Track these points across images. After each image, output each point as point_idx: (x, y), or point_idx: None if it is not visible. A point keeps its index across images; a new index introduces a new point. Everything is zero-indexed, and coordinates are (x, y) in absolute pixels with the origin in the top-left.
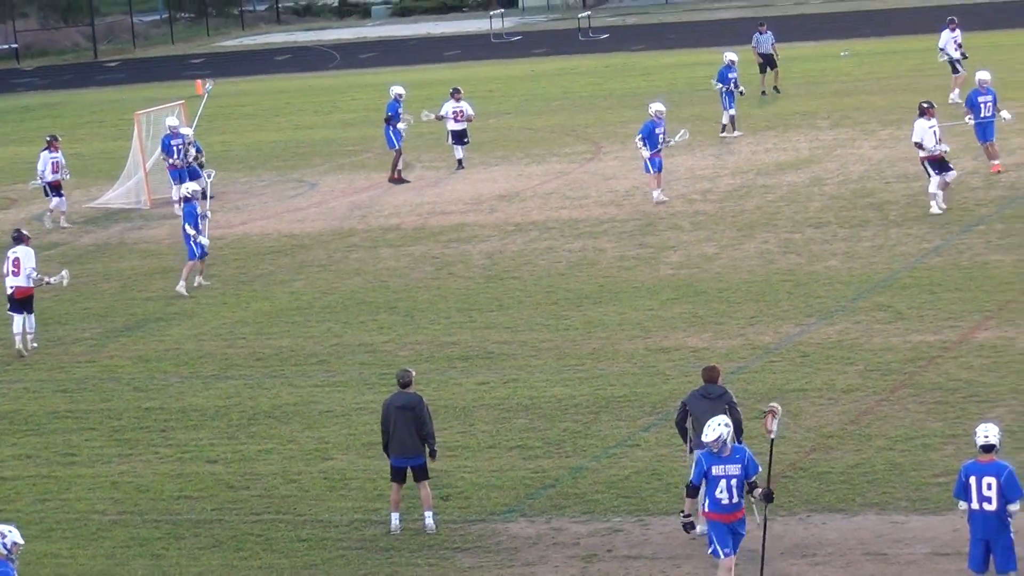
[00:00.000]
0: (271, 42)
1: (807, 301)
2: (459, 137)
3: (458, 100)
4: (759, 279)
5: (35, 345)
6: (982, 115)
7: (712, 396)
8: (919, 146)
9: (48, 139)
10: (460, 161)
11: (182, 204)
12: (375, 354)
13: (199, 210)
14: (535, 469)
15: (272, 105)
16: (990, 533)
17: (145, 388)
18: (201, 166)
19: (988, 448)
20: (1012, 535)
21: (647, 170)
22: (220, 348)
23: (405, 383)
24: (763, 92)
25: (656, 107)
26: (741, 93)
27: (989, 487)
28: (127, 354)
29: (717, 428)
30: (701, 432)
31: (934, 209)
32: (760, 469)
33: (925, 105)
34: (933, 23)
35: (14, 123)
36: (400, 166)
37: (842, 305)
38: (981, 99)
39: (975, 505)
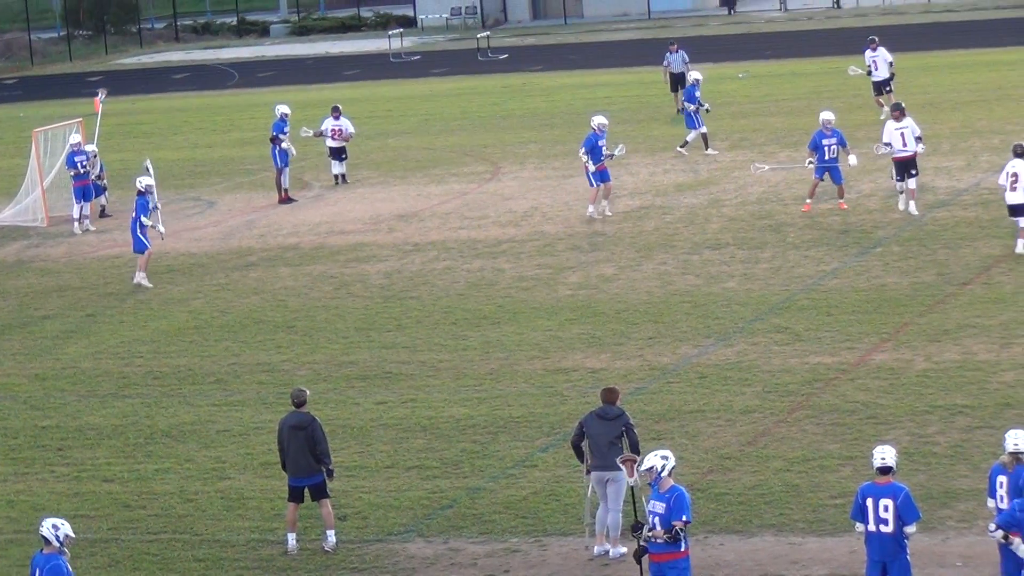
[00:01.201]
0: (169, 60)
1: (705, 322)
2: (337, 154)
3: (337, 118)
4: (657, 300)
5: None
6: (826, 157)
7: (609, 417)
8: (888, 146)
9: None
10: (338, 176)
11: (136, 197)
12: (273, 373)
13: (152, 203)
14: (433, 489)
15: (170, 123)
16: (887, 555)
17: (41, 407)
18: (104, 186)
19: (885, 470)
20: (908, 557)
21: (591, 184)
22: (117, 367)
23: (299, 403)
24: (678, 111)
25: (598, 120)
26: (707, 110)
27: (886, 509)
28: (23, 372)
29: (650, 459)
30: (597, 453)
31: (912, 210)
32: (689, 518)
33: (895, 108)
34: (833, 46)
35: None
36: (286, 184)
37: (740, 326)
38: (825, 141)
39: (872, 527)
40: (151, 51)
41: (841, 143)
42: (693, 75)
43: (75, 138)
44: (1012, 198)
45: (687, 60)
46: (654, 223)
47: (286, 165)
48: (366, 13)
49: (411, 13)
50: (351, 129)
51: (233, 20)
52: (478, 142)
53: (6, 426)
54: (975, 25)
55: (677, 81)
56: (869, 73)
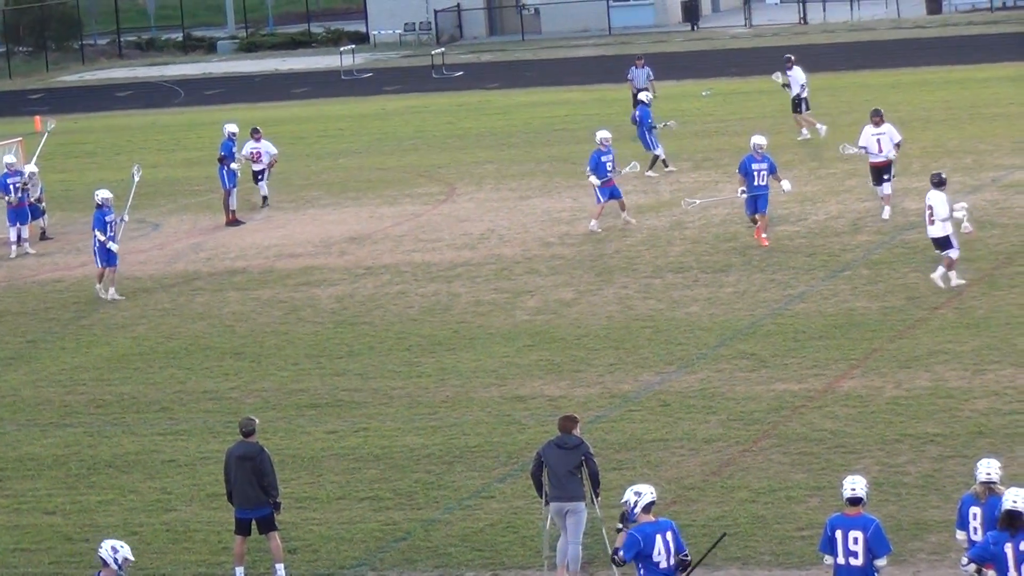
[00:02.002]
0: (113, 77)
1: (667, 348)
2: (257, 177)
3: (257, 140)
4: (618, 325)
5: None
6: (755, 183)
7: (568, 446)
8: (864, 150)
9: None
10: (264, 199)
11: (94, 210)
12: (220, 401)
13: (114, 216)
14: (386, 521)
15: (114, 143)
16: None
17: None
18: (42, 208)
19: (855, 501)
20: None
21: (598, 200)
22: (59, 395)
23: (247, 432)
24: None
25: (602, 135)
26: (653, 127)
27: (855, 541)
28: None
29: (626, 493)
30: (556, 484)
31: (885, 215)
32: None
33: (874, 114)
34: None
35: None
36: (234, 206)
37: (703, 352)
38: (755, 167)
39: (841, 559)
40: (94, 68)
41: (771, 169)
42: (646, 95)
43: (10, 159)
44: (931, 231)
45: (651, 76)
46: (615, 245)
47: (234, 186)
48: (316, 29)
49: (363, 29)
50: (272, 151)
51: (179, 36)
52: (433, 162)
53: None
54: (946, 42)
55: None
56: (785, 87)
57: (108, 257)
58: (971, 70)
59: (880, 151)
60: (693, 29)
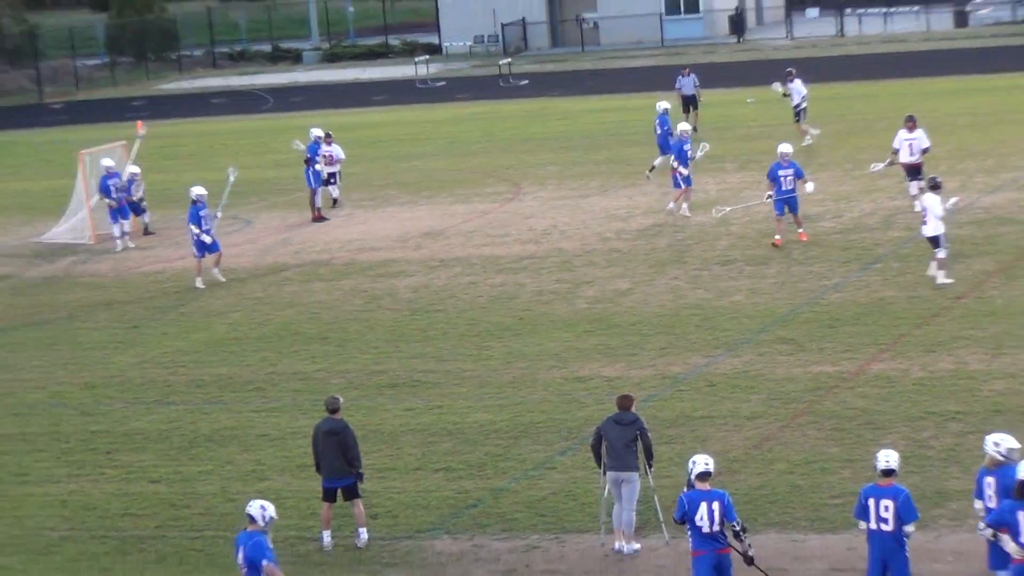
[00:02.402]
0: (207, 86)
1: (714, 334)
2: (330, 179)
3: (329, 144)
4: (669, 313)
5: None
6: (783, 188)
7: (625, 422)
8: (896, 152)
9: None
10: (335, 200)
11: (189, 206)
12: (308, 382)
13: (208, 211)
14: (458, 490)
15: (209, 145)
16: (887, 552)
17: (91, 413)
18: (143, 206)
19: (888, 472)
20: (907, 554)
21: (677, 185)
22: (162, 375)
23: (332, 409)
24: (693, 129)
25: (682, 127)
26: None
27: (887, 509)
28: (74, 381)
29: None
30: (613, 455)
31: (917, 207)
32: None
33: (908, 120)
34: (837, 72)
35: None
36: (319, 204)
37: (747, 338)
38: (782, 172)
39: (873, 525)
40: (190, 77)
41: (798, 174)
42: (662, 104)
43: (108, 162)
44: (924, 230)
45: (698, 84)
46: (667, 240)
47: (320, 185)
48: (393, 41)
49: (436, 41)
50: (341, 155)
51: (267, 48)
52: (500, 163)
53: (59, 431)
54: (971, 53)
55: (688, 103)
56: (785, 95)
57: (203, 247)
58: (995, 79)
59: (912, 155)
60: (739, 41)
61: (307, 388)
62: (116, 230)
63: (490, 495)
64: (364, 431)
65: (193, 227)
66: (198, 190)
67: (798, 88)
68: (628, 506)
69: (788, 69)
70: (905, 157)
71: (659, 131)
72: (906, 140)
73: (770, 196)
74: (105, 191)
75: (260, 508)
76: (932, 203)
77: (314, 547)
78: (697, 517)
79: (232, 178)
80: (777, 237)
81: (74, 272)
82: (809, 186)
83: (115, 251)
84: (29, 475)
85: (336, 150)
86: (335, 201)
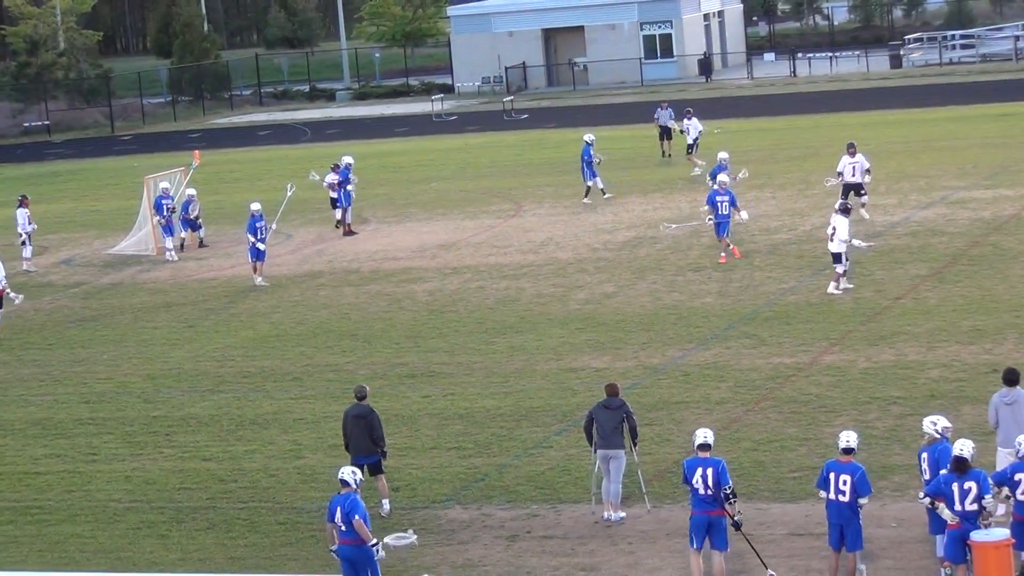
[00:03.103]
0: (255, 120)
1: (688, 330)
2: (335, 203)
3: (337, 172)
4: (649, 312)
5: None
6: (719, 212)
7: (612, 407)
8: (840, 175)
9: (20, 198)
10: (338, 223)
11: (248, 218)
12: (339, 372)
13: (264, 223)
14: (468, 466)
15: (256, 171)
16: (843, 519)
17: (152, 400)
18: (200, 224)
19: (848, 451)
20: (860, 522)
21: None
22: (213, 368)
23: (360, 396)
24: (664, 155)
25: (722, 155)
26: (599, 163)
27: (844, 483)
28: (138, 373)
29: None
30: (602, 436)
31: (864, 214)
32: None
33: (850, 147)
34: (791, 107)
35: (46, 185)
36: (349, 220)
37: (716, 334)
38: (719, 199)
39: (832, 496)
40: (240, 113)
41: (732, 202)
42: (587, 136)
43: (164, 184)
44: (831, 247)
45: (673, 116)
46: (646, 250)
47: (350, 204)
48: (413, 82)
49: (450, 81)
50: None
51: (306, 88)
52: (504, 185)
53: (124, 416)
54: (905, 90)
55: (664, 133)
56: (682, 132)
57: (258, 254)
58: (925, 112)
59: (854, 175)
60: (707, 80)
61: (338, 378)
62: (168, 243)
63: (495, 470)
64: (387, 415)
65: (250, 236)
66: (255, 205)
67: (695, 124)
68: (615, 480)
69: (687, 108)
70: (848, 178)
71: (584, 160)
72: (849, 163)
73: (710, 219)
74: (157, 209)
75: (352, 473)
76: (841, 225)
77: None
78: (694, 480)
79: (289, 194)
80: (723, 255)
81: (138, 279)
82: (743, 215)
83: (174, 260)
84: (98, 454)
85: (332, 179)
86: (338, 223)
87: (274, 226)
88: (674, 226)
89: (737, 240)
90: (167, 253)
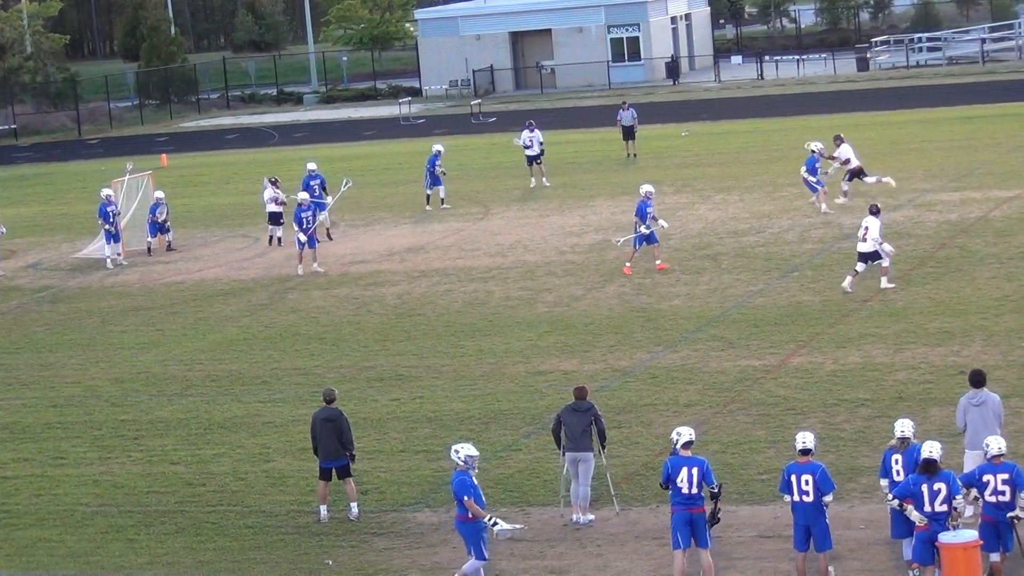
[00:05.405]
0: (222, 124)
1: (656, 333)
2: (275, 219)
3: (276, 188)
4: (617, 315)
5: None
6: (647, 221)
7: (581, 410)
8: (847, 160)
9: None
10: (271, 239)
11: (295, 209)
12: (307, 376)
13: (309, 213)
14: (437, 469)
15: (223, 175)
16: (809, 519)
17: (121, 404)
18: (168, 227)
19: (805, 451)
20: (827, 521)
21: (814, 190)
22: (181, 371)
23: (329, 400)
24: (630, 155)
25: (815, 144)
26: (443, 174)
27: (807, 483)
28: (106, 376)
29: (672, 432)
30: (571, 438)
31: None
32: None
33: (837, 138)
34: (757, 110)
35: (13, 189)
36: (328, 224)
37: (684, 336)
38: (650, 210)
39: (796, 497)
40: (207, 116)
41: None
42: (436, 147)
43: (105, 192)
44: (860, 247)
45: (635, 116)
46: (614, 253)
47: (322, 209)
48: (381, 85)
49: (417, 85)
50: (283, 197)
51: (273, 91)
52: (472, 188)
53: (92, 419)
54: (872, 93)
55: (627, 134)
56: (526, 147)
57: (301, 244)
58: (892, 115)
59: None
60: (674, 83)
61: (307, 382)
62: (107, 251)
63: None
64: (356, 418)
65: (295, 226)
66: (303, 195)
67: (538, 137)
68: (584, 482)
69: (528, 121)
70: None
71: (428, 168)
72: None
73: (643, 228)
74: (104, 217)
75: (454, 452)
76: (873, 225)
77: (312, 519)
78: (679, 479)
79: (344, 189)
80: (628, 265)
81: (106, 283)
82: (663, 223)
83: (144, 263)
84: (66, 458)
85: (280, 194)
86: (279, 240)
87: (326, 215)
88: (621, 239)
89: (701, 244)
90: (107, 261)
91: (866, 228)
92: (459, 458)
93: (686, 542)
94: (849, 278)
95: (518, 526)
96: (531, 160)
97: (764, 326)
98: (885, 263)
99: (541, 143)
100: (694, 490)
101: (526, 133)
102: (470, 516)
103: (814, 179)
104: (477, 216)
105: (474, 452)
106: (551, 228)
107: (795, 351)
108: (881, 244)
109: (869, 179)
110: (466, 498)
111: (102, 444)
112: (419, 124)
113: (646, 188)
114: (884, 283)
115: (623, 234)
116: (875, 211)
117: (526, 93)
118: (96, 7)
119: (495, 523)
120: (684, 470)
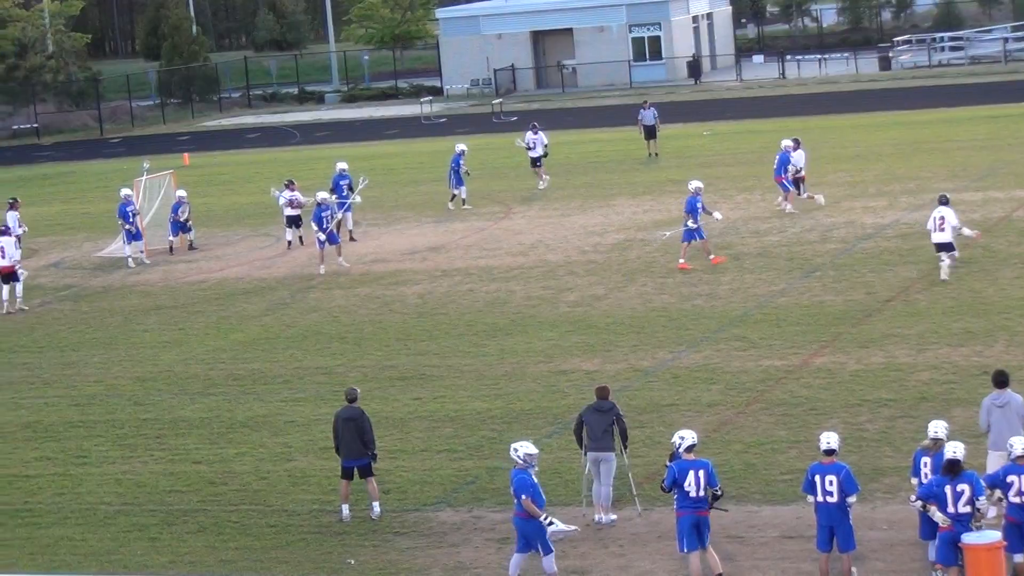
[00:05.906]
0: (244, 123)
1: (678, 333)
2: (293, 222)
3: (292, 190)
4: (639, 315)
5: (24, 308)
6: (699, 217)
7: (603, 410)
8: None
9: (10, 201)
10: (290, 243)
11: (313, 207)
12: (329, 375)
13: (329, 212)
14: (459, 468)
15: (245, 174)
16: (833, 520)
17: (143, 403)
18: (190, 226)
19: (830, 452)
20: (851, 522)
21: (786, 190)
22: (204, 370)
23: (351, 399)
24: (651, 155)
25: (785, 142)
26: (467, 174)
27: (831, 483)
28: (128, 375)
29: (674, 435)
30: (593, 438)
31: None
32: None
33: (795, 143)
34: (779, 109)
35: (36, 188)
36: (350, 225)
37: (706, 336)
38: (699, 205)
39: (820, 498)
40: (229, 115)
41: (702, 209)
42: (460, 146)
43: (124, 191)
44: (938, 237)
45: (657, 116)
46: (636, 253)
47: (346, 210)
48: (402, 84)
49: (439, 84)
50: (302, 200)
51: (295, 90)
52: (493, 188)
53: (114, 418)
54: (894, 92)
55: (649, 133)
56: (529, 148)
57: (322, 242)
58: (914, 114)
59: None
60: (696, 83)
61: (328, 381)
62: (127, 250)
63: (486, 473)
64: (377, 418)
65: (314, 225)
66: (323, 194)
67: (541, 139)
68: (606, 482)
69: (533, 123)
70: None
71: (453, 168)
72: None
73: (693, 223)
74: (124, 217)
75: (514, 451)
76: (948, 214)
77: (334, 518)
78: (686, 483)
79: (362, 185)
80: (681, 261)
81: (128, 282)
82: (718, 215)
83: (166, 262)
84: (88, 457)
85: (298, 196)
86: (300, 239)
87: (352, 203)
88: (668, 233)
89: (724, 243)
90: (128, 260)
91: (942, 218)
92: (518, 456)
93: (694, 544)
94: (943, 267)
95: (573, 527)
96: (534, 162)
97: (786, 326)
98: (956, 253)
99: (545, 145)
100: (701, 493)
101: (529, 135)
102: (527, 514)
103: (787, 178)
104: (499, 215)
105: (533, 450)
106: (573, 227)
107: (817, 351)
108: (961, 229)
109: (803, 192)
110: (524, 497)
111: (124, 443)
112: (440, 123)
113: (695, 184)
114: (944, 274)
115: (666, 230)
116: (945, 200)
117: (547, 92)
118: (118, 6)
119: (551, 523)
120: (691, 474)
